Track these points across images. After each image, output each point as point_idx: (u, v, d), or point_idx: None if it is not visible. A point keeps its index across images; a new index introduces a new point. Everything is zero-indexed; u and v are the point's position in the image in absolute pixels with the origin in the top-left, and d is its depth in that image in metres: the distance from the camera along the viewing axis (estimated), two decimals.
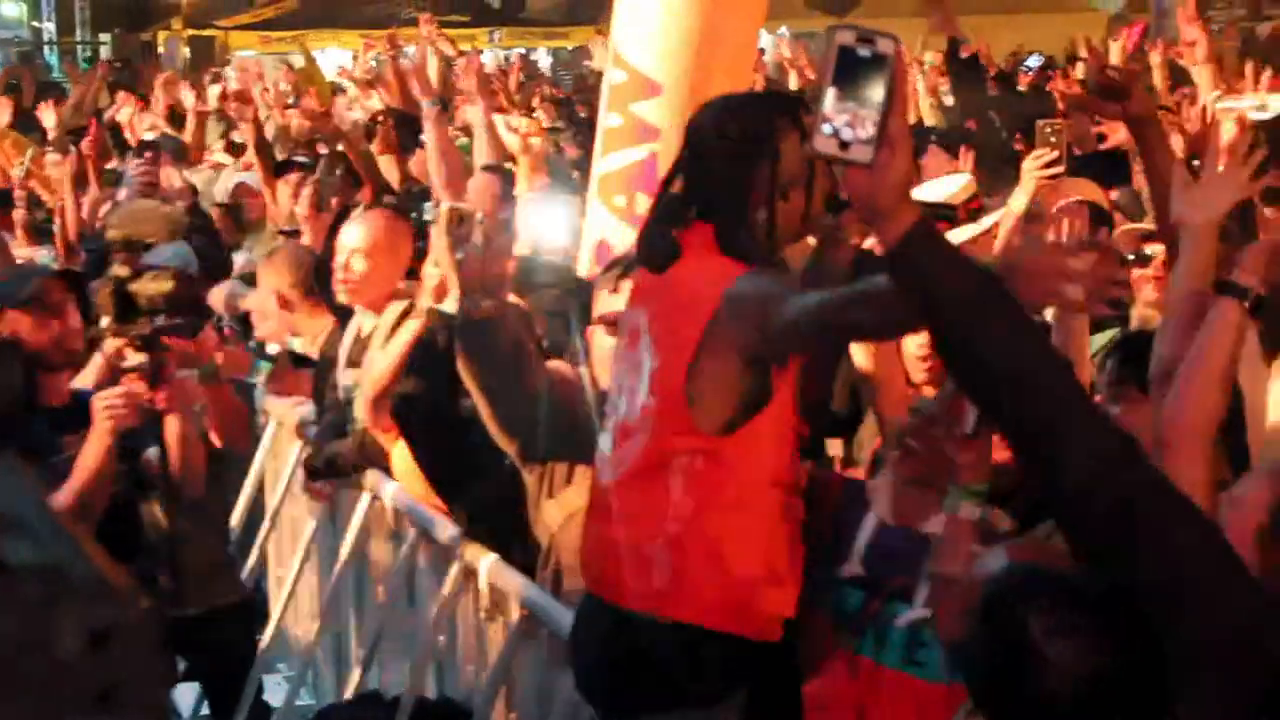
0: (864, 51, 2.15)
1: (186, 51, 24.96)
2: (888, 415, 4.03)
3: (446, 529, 4.75)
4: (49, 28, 30.71)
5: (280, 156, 9.20)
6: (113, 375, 4.47)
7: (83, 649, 0.95)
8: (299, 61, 19.40)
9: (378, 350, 5.20)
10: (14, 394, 1.00)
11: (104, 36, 30.19)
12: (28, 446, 3.74)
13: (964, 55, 11.24)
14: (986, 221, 5.29)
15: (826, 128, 2.15)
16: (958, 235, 4.86)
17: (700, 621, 3.35)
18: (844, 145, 2.15)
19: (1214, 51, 8.46)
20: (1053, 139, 6.35)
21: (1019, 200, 5.45)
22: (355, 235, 5.46)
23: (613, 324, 3.87)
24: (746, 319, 3.24)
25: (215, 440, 5.04)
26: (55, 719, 0.94)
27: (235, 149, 10.59)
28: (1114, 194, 6.94)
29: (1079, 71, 12.77)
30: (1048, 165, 5.85)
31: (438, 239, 4.24)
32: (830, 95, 2.15)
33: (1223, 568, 2.24)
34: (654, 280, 3.45)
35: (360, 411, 5.27)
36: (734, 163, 3.39)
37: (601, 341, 4.03)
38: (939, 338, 2.32)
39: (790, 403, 3.39)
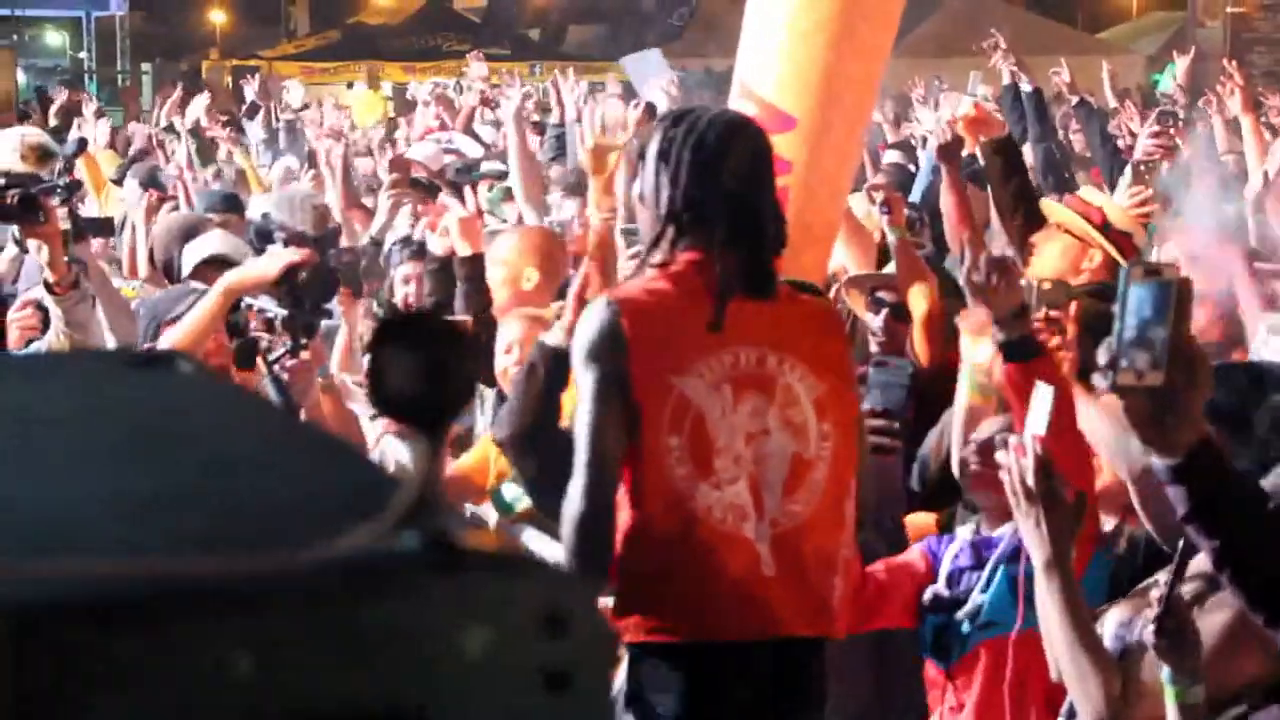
0: (1150, 281, 2.26)
1: (229, 81, 25.07)
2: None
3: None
4: (86, 57, 30.86)
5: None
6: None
7: (536, 631, 0.94)
8: (347, 95, 19.54)
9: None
10: (468, 385, 1.00)
11: (145, 66, 30.36)
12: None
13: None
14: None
15: (1124, 361, 2.26)
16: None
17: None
18: (1139, 374, 2.25)
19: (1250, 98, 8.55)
20: (1147, 177, 6.37)
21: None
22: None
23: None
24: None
25: None
26: (504, 701, 0.96)
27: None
28: None
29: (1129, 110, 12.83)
30: (1142, 204, 5.86)
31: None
32: (1123, 327, 2.26)
33: None
34: (754, 310, 3.37)
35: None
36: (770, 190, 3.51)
37: None
38: (1222, 542, 2.38)
39: None
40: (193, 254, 5.69)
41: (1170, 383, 2.23)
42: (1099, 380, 2.29)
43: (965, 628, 3.84)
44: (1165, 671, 2.88)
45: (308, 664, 0.95)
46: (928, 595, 3.88)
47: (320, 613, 0.95)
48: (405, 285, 6.15)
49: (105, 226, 6.75)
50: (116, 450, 1.17)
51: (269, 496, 1.10)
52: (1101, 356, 2.26)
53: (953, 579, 3.89)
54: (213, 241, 5.80)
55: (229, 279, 4.45)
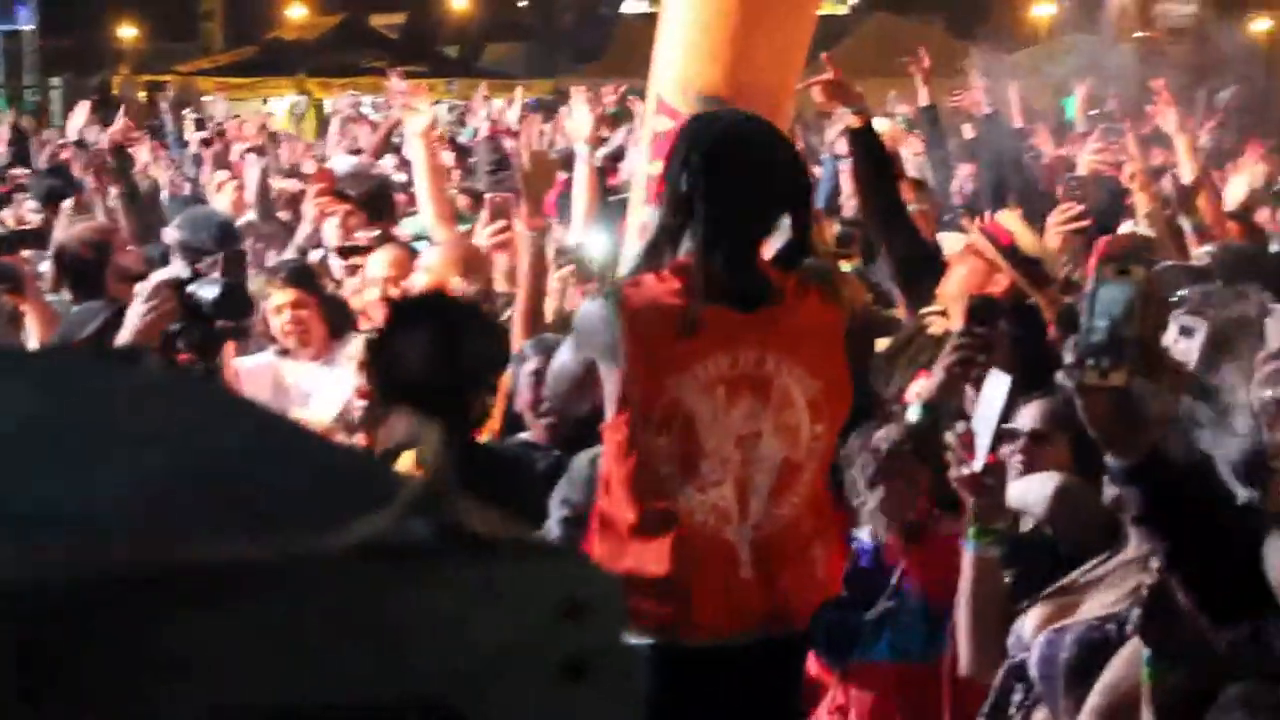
0: (1120, 281, 2.27)
1: (142, 96, 24.84)
2: None
3: None
4: None
5: None
6: None
7: (555, 619, 0.92)
8: (261, 108, 19.40)
9: None
10: (487, 365, 0.96)
11: (54, 81, 30.05)
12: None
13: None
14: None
15: (1090, 360, 2.25)
16: None
17: None
18: (1104, 374, 2.25)
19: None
20: (1077, 191, 6.48)
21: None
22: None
23: None
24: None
25: None
26: (521, 691, 0.95)
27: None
28: None
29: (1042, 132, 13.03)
30: (1075, 219, 5.93)
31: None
32: (1091, 326, 2.25)
33: None
34: (744, 319, 3.38)
35: None
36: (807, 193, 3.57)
37: None
38: (1173, 544, 2.41)
39: None
40: None
41: (1133, 384, 2.24)
42: (1063, 379, 2.29)
43: (872, 639, 3.85)
44: (1145, 654, 2.89)
45: (323, 653, 0.93)
46: None
47: (336, 601, 0.94)
48: (278, 315, 5.66)
49: (37, 238, 6.67)
50: (109, 440, 1.14)
51: (271, 486, 1.08)
52: (1067, 355, 2.27)
53: (852, 580, 3.91)
54: None
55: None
